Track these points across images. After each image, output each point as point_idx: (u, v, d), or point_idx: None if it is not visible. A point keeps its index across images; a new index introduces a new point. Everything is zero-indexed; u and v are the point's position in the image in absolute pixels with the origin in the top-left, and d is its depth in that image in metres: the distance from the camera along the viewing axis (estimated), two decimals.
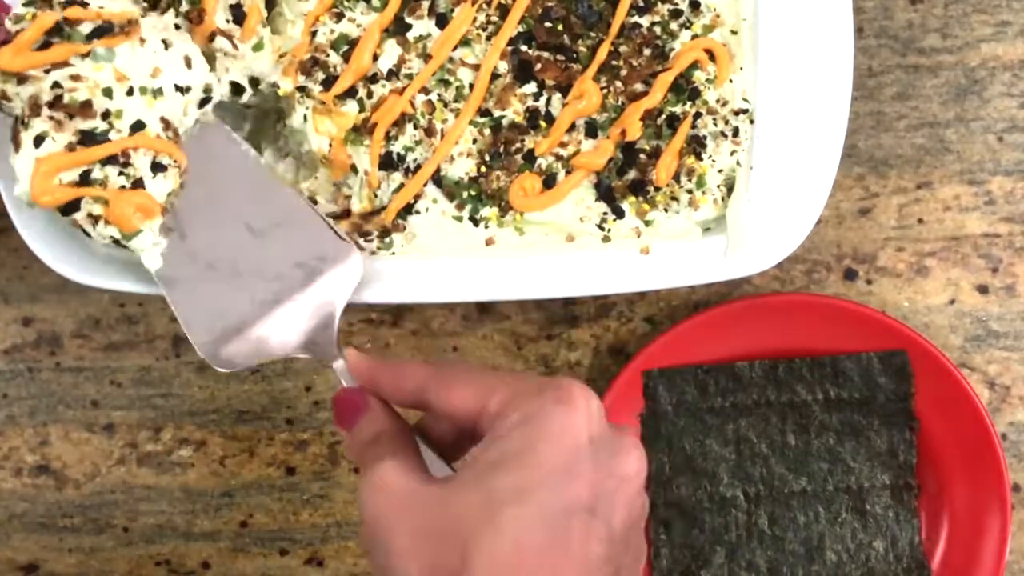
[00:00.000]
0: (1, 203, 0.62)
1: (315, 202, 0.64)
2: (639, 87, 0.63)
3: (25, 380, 0.74)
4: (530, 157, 0.63)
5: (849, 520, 0.70)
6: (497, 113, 0.63)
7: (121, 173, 0.56)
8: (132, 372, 0.73)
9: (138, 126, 0.56)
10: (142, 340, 0.73)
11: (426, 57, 0.63)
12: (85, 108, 0.55)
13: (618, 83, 0.63)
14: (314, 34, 0.63)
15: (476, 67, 0.63)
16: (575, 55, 0.64)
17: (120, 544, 0.74)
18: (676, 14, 0.64)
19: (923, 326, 0.73)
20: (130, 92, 0.56)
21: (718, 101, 0.64)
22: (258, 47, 0.62)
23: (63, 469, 0.74)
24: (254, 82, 0.63)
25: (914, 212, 0.73)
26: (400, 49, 0.63)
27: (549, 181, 0.63)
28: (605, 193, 0.63)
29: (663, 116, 0.63)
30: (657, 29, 0.64)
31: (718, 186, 0.64)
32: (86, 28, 0.55)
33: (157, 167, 0.57)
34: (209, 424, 0.74)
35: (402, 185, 0.63)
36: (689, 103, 0.63)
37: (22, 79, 0.55)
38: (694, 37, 0.64)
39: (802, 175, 0.63)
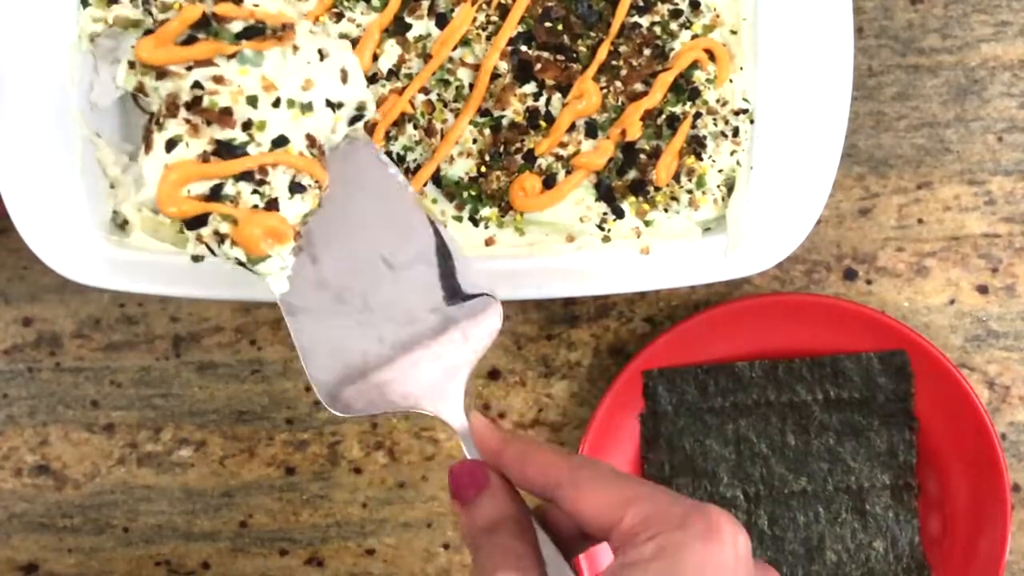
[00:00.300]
0: (1, 203, 0.62)
1: None
2: (639, 87, 0.63)
3: (25, 380, 0.74)
4: (530, 157, 0.63)
5: (849, 520, 0.70)
6: (497, 113, 0.63)
7: (255, 191, 0.50)
8: (132, 372, 0.73)
9: (281, 141, 0.51)
10: (142, 340, 0.73)
11: (426, 57, 0.63)
12: (225, 115, 0.50)
13: (618, 83, 0.63)
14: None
15: (476, 67, 0.63)
16: (575, 55, 0.64)
17: (120, 544, 0.74)
18: (676, 14, 0.64)
19: (923, 326, 0.73)
20: (276, 103, 0.50)
21: (718, 101, 0.64)
22: None
23: (63, 469, 0.74)
24: None
25: (914, 212, 0.73)
26: (400, 49, 0.63)
27: (549, 181, 0.63)
28: (605, 193, 0.63)
29: (663, 116, 0.63)
30: (657, 29, 0.64)
31: (718, 186, 0.64)
32: (236, 27, 0.50)
33: (296, 187, 0.51)
34: (209, 424, 0.74)
35: None
36: (689, 103, 0.63)
37: (162, 74, 0.50)
38: (694, 37, 0.64)
39: (802, 175, 0.63)
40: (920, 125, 0.73)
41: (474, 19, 0.63)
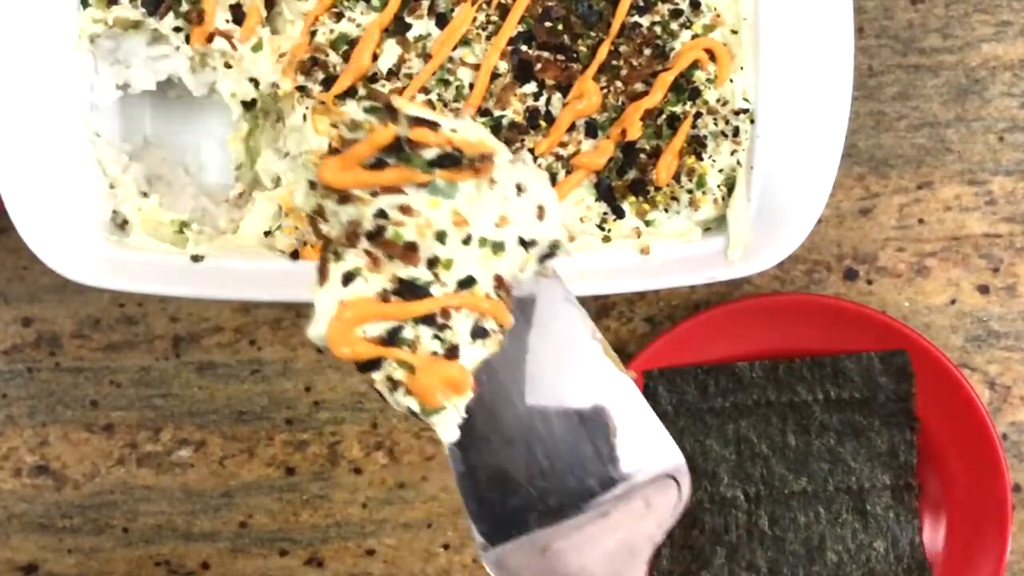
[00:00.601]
0: (1, 203, 0.62)
1: None
2: (639, 87, 0.63)
3: (24, 380, 0.74)
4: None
5: (850, 520, 0.70)
6: (497, 113, 0.63)
7: (436, 336, 0.45)
8: (132, 372, 0.73)
9: (468, 282, 0.46)
10: (142, 340, 0.73)
11: (426, 57, 0.63)
12: (409, 251, 0.45)
13: (618, 83, 0.63)
14: (314, 34, 0.63)
15: (476, 67, 0.63)
16: (575, 55, 0.64)
17: (119, 544, 0.74)
18: (676, 14, 0.64)
19: (924, 326, 0.73)
20: (467, 241, 0.45)
21: (718, 101, 0.64)
22: (257, 48, 0.62)
23: (62, 469, 0.74)
24: (254, 82, 0.63)
25: (915, 212, 0.73)
26: (400, 49, 0.63)
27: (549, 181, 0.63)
28: (605, 193, 0.63)
29: (663, 116, 0.63)
30: (657, 29, 0.64)
31: (718, 186, 0.64)
32: (430, 154, 0.45)
33: (478, 332, 0.46)
34: (209, 424, 0.74)
35: None
36: (689, 103, 0.63)
37: (344, 198, 0.45)
38: (694, 37, 0.64)
39: (802, 175, 0.63)
40: (921, 125, 0.73)
41: (474, 19, 0.63)
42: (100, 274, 0.62)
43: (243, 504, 0.74)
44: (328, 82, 0.62)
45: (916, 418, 0.70)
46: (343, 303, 0.45)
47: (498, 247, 0.46)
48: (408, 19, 0.63)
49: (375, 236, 0.45)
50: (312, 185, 0.47)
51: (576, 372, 0.50)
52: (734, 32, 0.64)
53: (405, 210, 0.45)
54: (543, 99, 0.63)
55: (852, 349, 0.70)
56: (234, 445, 0.74)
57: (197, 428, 0.74)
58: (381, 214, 0.45)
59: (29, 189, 0.62)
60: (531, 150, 0.63)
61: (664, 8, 0.64)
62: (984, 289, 0.73)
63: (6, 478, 0.74)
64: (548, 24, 0.63)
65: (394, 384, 0.45)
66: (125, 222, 0.65)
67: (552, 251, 0.48)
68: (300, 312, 0.73)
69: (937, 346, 0.69)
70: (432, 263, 0.45)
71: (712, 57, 0.63)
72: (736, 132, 0.63)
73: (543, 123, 0.63)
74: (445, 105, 0.63)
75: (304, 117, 0.63)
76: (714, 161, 0.63)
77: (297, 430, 0.74)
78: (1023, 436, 0.74)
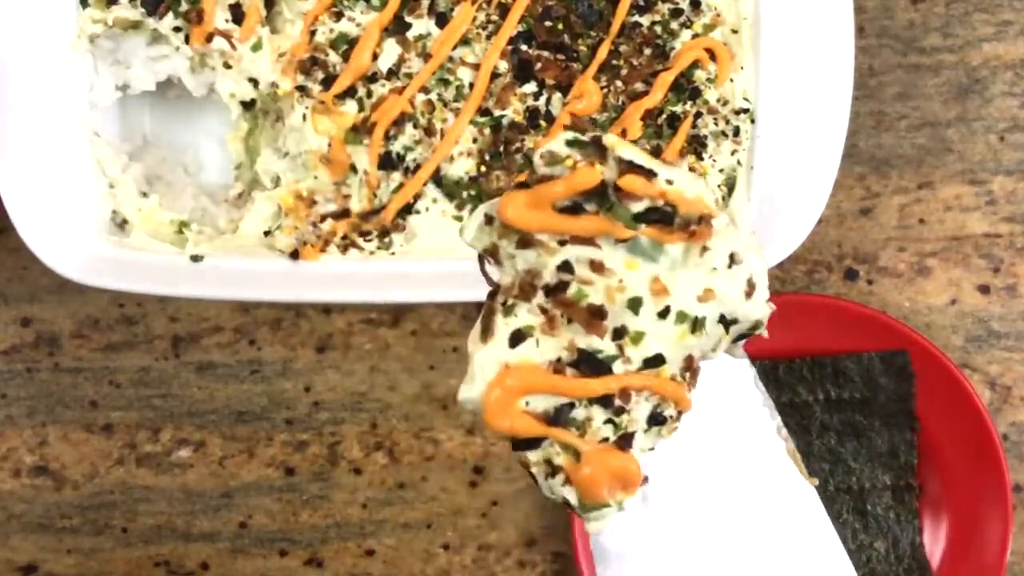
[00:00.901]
0: (1, 203, 0.62)
1: (314, 202, 0.64)
2: (639, 86, 0.63)
3: (24, 380, 0.74)
4: (530, 157, 0.63)
5: (850, 521, 0.70)
6: (497, 112, 0.63)
7: (610, 420, 0.39)
8: (131, 372, 0.73)
9: (655, 361, 0.39)
10: (141, 340, 0.73)
11: (426, 56, 0.63)
12: (594, 317, 0.38)
13: (618, 82, 0.63)
14: (313, 33, 0.63)
15: (476, 66, 0.63)
16: (575, 54, 0.63)
17: (119, 545, 0.74)
18: (677, 13, 0.64)
19: (924, 326, 0.73)
20: (663, 314, 0.39)
21: (719, 100, 0.64)
22: (256, 47, 0.62)
23: (62, 470, 0.74)
24: (253, 82, 0.63)
25: (915, 212, 0.73)
26: (400, 48, 0.63)
27: None
28: None
29: (664, 116, 0.63)
30: (658, 28, 0.64)
31: (718, 186, 0.64)
32: (637, 206, 0.38)
33: (655, 419, 0.40)
34: (208, 424, 0.73)
35: (402, 185, 0.63)
36: (690, 102, 0.63)
37: (525, 241, 0.39)
38: (695, 36, 0.64)
39: (802, 175, 0.63)
40: (921, 125, 0.73)
41: (474, 18, 0.63)
42: (100, 274, 0.62)
43: (243, 504, 0.74)
44: (328, 82, 0.62)
45: (916, 418, 0.70)
46: (507, 367, 0.39)
47: (698, 325, 0.39)
48: (408, 18, 0.63)
49: (555, 291, 0.39)
50: (489, 220, 0.40)
51: (755, 470, 0.44)
52: (734, 31, 0.64)
53: (596, 267, 0.39)
54: (543, 99, 0.63)
55: (852, 349, 0.70)
56: (234, 445, 0.74)
57: (197, 428, 0.74)
58: (566, 267, 0.39)
59: (29, 189, 0.62)
60: (531, 149, 0.63)
61: (664, 8, 0.64)
62: (985, 289, 0.73)
63: (6, 478, 0.74)
64: (548, 24, 0.63)
65: (552, 470, 0.40)
66: (125, 222, 0.64)
67: (752, 331, 0.42)
68: (300, 312, 0.73)
69: (938, 346, 0.69)
70: (618, 334, 0.39)
71: (712, 57, 0.63)
72: (736, 132, 0.63)
73: (543, 123, 0.63)
74: (445, 105, 0.63)
75: (304, 117, 0.63)
76: (714, 161, 0.63)
77: (297, 430, 0.73)
78: (1023, 436, 0.74)
